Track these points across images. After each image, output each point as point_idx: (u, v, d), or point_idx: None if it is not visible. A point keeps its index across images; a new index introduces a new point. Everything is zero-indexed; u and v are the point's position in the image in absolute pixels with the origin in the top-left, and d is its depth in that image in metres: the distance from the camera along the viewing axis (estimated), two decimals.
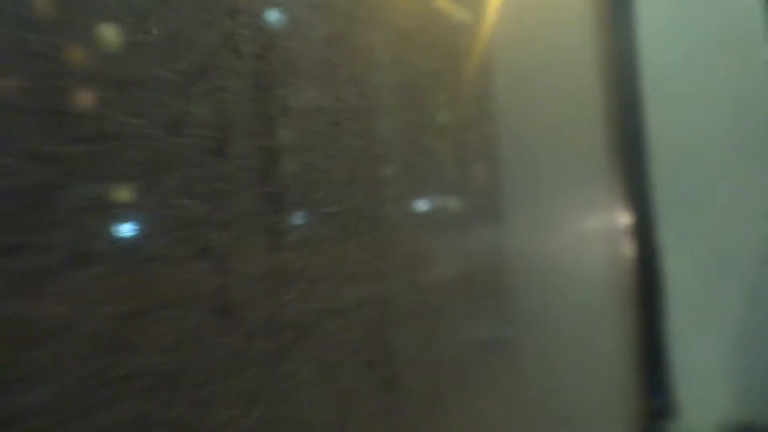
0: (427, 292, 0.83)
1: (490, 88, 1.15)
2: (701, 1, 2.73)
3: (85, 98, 0.38)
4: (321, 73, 0.59)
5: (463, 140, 1.01)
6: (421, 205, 0.86)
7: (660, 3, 2.77)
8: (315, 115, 0.58)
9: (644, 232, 2.76)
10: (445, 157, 0.95)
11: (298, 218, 0.54)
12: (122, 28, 0.40)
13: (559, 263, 1.60)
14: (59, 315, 0.36)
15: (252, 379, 0.48)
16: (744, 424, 2.58)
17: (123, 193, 0.39)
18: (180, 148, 0.42)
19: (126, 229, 0.39)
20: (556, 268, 1.57)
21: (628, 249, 2.70)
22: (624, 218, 2.68)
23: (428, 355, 0.82)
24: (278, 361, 0.51)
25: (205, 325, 0.43)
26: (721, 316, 2.61)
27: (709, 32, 2.70)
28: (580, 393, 1.67)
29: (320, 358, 0.56)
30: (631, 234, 2.75)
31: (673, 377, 2.69)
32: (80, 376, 0.36)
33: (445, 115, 0.97)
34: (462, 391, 0.90)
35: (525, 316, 1.28)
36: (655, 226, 2.72)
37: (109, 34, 0.39)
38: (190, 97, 0.44)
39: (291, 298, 0.52)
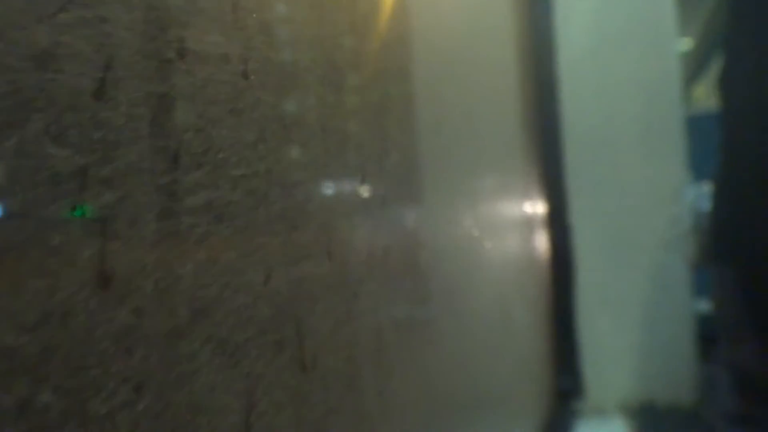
0: (342, 269, 0.79)
1: (408, 66, 1.12)
2: None
3: None
4: (227, 16, 0.53)
5: (380, 115, 0.97)
6: (337, 178, 0.81)
7: None
8: (219, 63, 0.51)
9: (557, 214, 2.83)
10: (362, 133, 0.90)
11: (197, 179, 0.48)
12: None
13: (475, 244, 1.60)
14: None
15: (140, 363, 0.41)
16: (646, 403, 2.69)
17: None
18: (48, 84, 0.35)
19: None
20: (472, 249, 1.56)
21: (541, 231, 2.76)
22: (538, 201, 2.73)
23: (343, 335, 0.77)
24: (172, 341, 0.44)
25: (79, 298, 0.36)
26: (628, 298, 2.71)
27: (624, 22, 2.77)
28: (494, 372, 1.68)
29: (222, 338, 0.50)
30: (545, 216, 2.81)
31: (580, 357, 2.77)
32: None
33: (362, 88, 0.92)
34: (378, 372, 0.87)
35: (441, 296, 1.26)
36: (568, 208, 2.79)
37: None
38: (61, 24, 0.36)
39: (188, 270, 0.46)
